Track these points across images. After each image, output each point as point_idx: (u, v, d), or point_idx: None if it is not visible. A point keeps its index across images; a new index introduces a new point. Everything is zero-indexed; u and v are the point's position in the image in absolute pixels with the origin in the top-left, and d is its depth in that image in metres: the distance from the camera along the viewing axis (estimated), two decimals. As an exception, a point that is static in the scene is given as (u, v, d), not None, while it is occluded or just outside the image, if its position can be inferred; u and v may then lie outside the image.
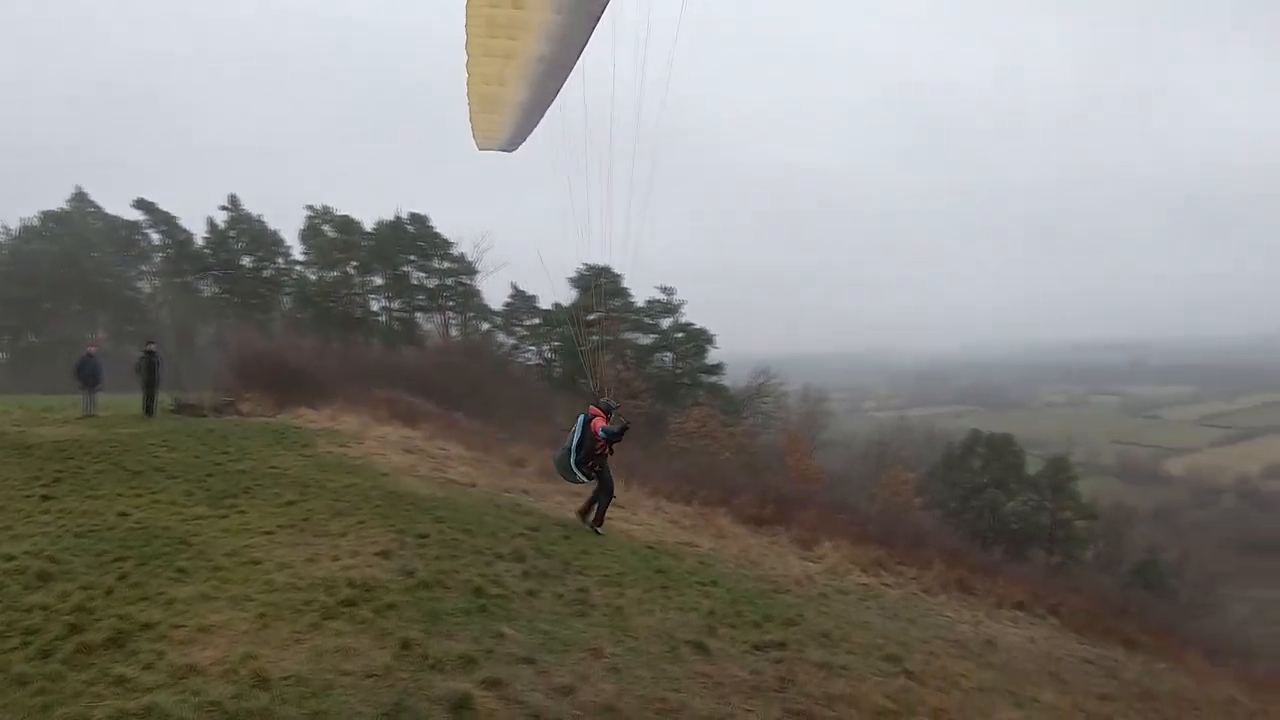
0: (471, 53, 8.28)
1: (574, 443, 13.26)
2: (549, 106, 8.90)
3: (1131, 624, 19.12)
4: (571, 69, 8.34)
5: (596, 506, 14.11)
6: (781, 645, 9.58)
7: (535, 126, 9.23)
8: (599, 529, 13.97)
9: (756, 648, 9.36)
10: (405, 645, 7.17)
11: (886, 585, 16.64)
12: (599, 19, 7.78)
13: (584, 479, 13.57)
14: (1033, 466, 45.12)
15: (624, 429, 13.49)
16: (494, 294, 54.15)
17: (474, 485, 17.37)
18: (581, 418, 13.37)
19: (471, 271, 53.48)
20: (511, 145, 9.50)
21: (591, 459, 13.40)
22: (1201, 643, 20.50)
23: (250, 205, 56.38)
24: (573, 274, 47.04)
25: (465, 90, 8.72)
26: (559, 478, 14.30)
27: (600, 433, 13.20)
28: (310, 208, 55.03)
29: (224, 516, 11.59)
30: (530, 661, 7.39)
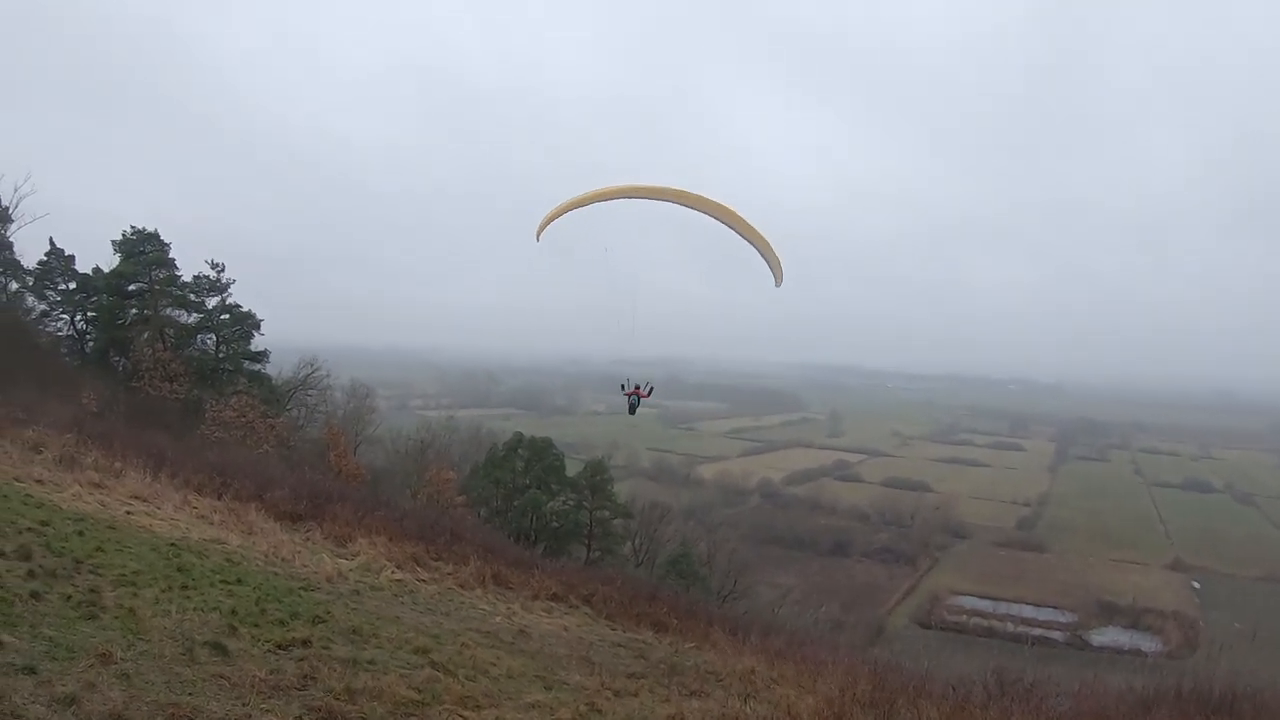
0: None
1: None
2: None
3: (661, 609, 21.14)
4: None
5: None
6: (306, 643, 10.16)
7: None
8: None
9: (280, 646, 9.82)
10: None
11: (422, 581, 17.87)
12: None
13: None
14: (574, 468, 49.30)
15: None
16: (29, 249, 44.62)
17: (-22, 477, 15.26)
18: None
19: (6, 219, 44.01)
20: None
21: None
22: (727, 623, 22.81)
23: None
24: (118, 236, 42.34)
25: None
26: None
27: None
28: None
29: None
30: (31, 671, 7.17)
